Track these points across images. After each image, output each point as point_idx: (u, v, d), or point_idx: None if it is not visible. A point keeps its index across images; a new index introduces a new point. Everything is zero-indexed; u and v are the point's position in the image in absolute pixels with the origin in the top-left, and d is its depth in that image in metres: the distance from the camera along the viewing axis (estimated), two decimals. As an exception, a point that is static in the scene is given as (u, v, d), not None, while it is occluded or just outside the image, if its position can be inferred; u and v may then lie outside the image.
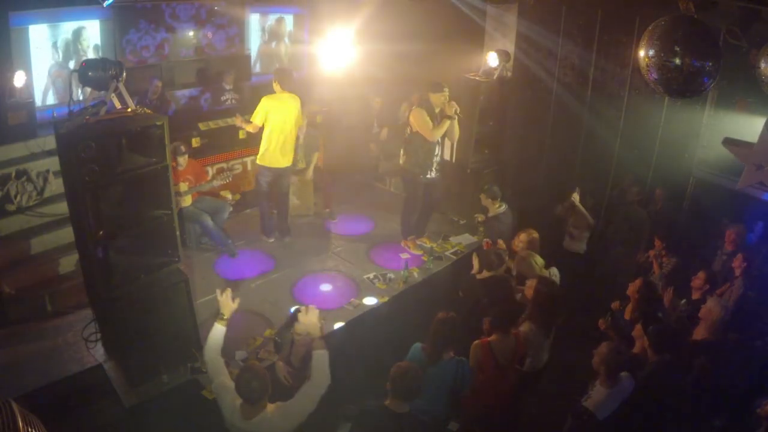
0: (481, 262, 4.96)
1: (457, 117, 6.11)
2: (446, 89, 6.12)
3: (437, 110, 6.15)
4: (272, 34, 9.37)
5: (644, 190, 6.37)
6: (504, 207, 6.20)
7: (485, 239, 6.13)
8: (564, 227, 6.31)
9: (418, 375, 3.35)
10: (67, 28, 7.13)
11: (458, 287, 5.21)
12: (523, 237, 5.36)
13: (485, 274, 4.93)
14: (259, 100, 6.28)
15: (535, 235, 5.35)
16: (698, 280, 4.94)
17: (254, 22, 9.14)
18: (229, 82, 8.35)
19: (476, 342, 4.07)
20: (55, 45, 7.07)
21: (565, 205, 6.21)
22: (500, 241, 5.62)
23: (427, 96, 6.24)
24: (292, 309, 5.12)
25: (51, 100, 7.16)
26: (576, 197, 6.07)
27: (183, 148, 6.26)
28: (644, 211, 6.23)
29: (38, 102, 7.00)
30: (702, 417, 3.98)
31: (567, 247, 6.25)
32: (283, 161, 6.40)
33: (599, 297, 5.33)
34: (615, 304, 4.89)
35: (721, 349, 4.22)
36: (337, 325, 5.34)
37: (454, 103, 6.12)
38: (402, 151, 6.48)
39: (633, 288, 4.69)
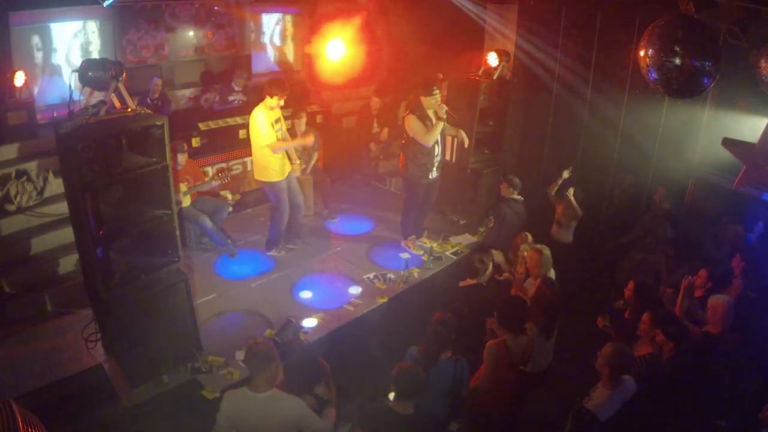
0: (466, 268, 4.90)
1: (447, 116, 6.06)
2: (437, 91, 6.04)
3: (430, 112, 6.10)
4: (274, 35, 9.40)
5: (672, 204, 6.26)
6: (520, 198, 6.22)
7: (490, 217, 6.22)
8: (553, 215, 6.29)
9: (419, 373, 3.35)
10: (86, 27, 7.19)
11: (453, 298, 5.07)
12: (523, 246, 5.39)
13: (468, 281, 4.87)
14: (261, 101, 5.95)
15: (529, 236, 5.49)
16: (700, 278, 4.93)
17: (270, 23, 9.21)
18: (239, 84, 8.33)
19: (491, 342, 4.05)
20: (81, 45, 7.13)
21: (552, 188, 6.20)
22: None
23: (418, 100, 6.17)
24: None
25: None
26: (566, 174, 6.10)
27: (185, 146, 6.25)
28: (671, 227, 6.12)
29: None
30: (707, 417, 3.98)
31: (554, 236, 6.21)
32: (254, 173, 6.21)
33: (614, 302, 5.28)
34: (618, 303, 4.89)
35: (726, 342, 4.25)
36: (337, 325, 5.34)
37: (443, 105, 6.08)
38: (401, 155, 6.47)
39: (628, 291, 4.70)
